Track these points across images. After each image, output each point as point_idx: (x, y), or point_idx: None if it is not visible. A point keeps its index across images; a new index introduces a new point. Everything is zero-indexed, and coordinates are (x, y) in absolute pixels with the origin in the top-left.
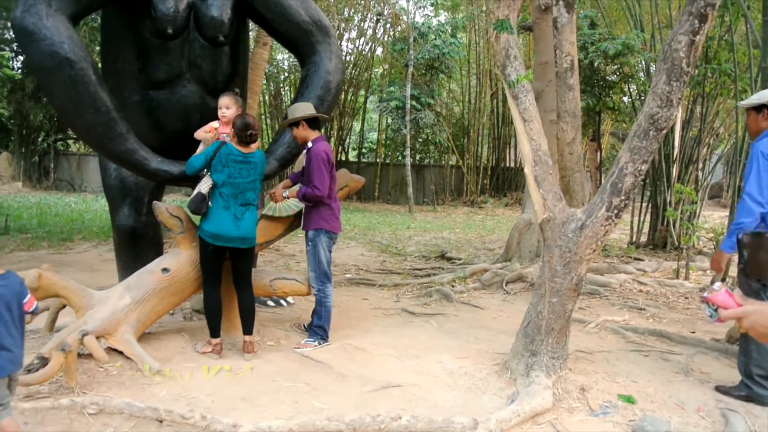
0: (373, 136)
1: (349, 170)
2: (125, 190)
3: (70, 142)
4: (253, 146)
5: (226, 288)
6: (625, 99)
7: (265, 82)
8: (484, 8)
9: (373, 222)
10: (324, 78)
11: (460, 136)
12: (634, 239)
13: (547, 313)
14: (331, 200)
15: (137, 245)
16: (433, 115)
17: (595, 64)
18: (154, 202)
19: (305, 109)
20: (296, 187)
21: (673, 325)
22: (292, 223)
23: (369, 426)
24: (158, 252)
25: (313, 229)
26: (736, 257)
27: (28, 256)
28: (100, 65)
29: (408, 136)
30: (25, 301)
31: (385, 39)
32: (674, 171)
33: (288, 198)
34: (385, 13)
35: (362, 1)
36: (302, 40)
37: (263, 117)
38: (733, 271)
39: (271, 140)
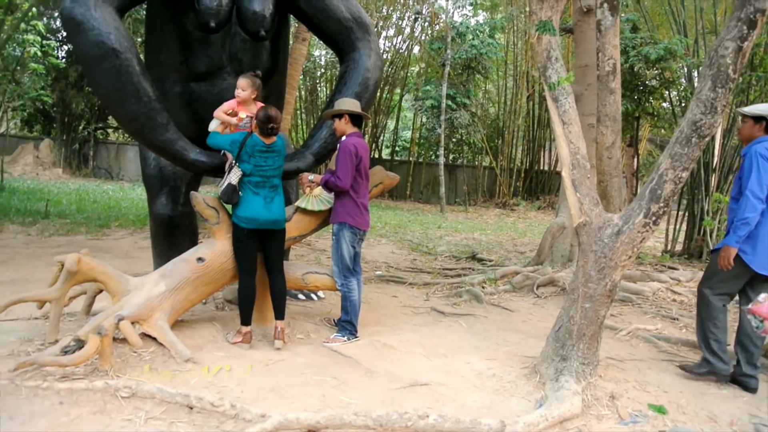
0: (407, 134)
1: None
2: (163, 180)
3: (110, 130)
4: (274, 137)
5: (259, 278)
6: (665, 105)
7: (301, 77)
8: (524, 9)
9: (404, 220)
10: (363, 75)
11: (494, 138)
12: (668, 247)
13: (579, 318)
14: (358, 196)
15: (173, 234)
16: (468, 115)
17: (636, 69)
18: (192, 192)
19: (352, 105)
20: (320, 175)
21: None
22: (326, 218)
23: (396, 423)
24: (193, 241)
25: (337, 223)
26: None
27: (66, 240)
28: (143, 56)
29: (442, 136)
30: None
31: (423, 38)
32: (713, 180)
33: (313, 183)
34: (424, 11)
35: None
36: (342, 37)
37: (299, 112)
38: None
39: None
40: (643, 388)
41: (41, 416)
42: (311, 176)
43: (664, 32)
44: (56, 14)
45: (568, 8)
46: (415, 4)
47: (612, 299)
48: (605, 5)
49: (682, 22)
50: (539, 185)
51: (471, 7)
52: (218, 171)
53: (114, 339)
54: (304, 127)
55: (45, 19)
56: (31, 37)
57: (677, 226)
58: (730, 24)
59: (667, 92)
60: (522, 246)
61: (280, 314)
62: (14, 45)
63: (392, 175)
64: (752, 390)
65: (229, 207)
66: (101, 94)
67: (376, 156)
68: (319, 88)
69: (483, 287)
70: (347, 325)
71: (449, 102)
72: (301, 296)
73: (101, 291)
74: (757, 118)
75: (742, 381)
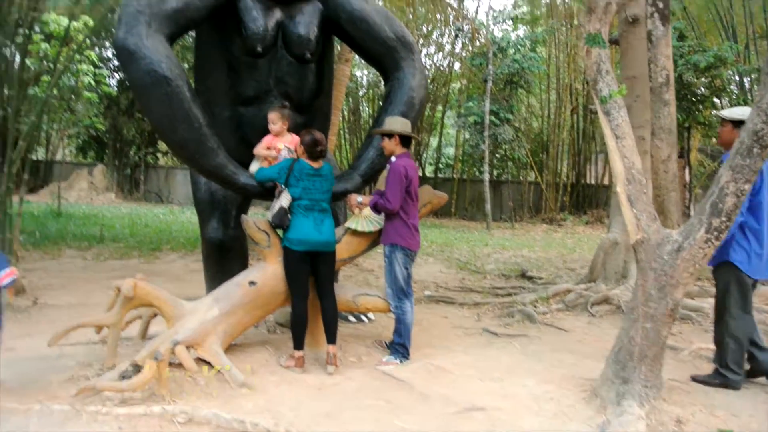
0: (450, 151)
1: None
2: (214, 204)
3: (159, 155)
4: (321, 161)
5: (310, 302)
6: (716, 113)
7: (345, 98)
8: (564, 22)
9: (450, 238)
10: (408, 94)
11: (538, 152)
12: None
13: (640, 339)
14: (408, 217)
15: (225, 257)
16: (511, 130)
17: (685, 78)
18: (243, 216)
19: (403, 125)
20: (369, 197)
21: None
22: (376, 239)
23: None
24: (244, 264)
25: (389, 245)
26: None
27: (120, 264)
28: (193, 83)
29: (487, 152)
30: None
31: (464, 54)
32: None
33: (362, 204)
34: (465, 28)
35: (441, 17)
36: (386, 57)
37: (342, 132)
38: None
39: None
40: (710, 411)
41: None
42: (360, 198)
43: (712, 39)
44: (108, 44)
45: (614, 19)
46: (456, 20)
47: (674, 319)
48: (656, 15)
49: (732, 28)
50: (586, 199)
51: (511, 22)
52: (268, 195)
53: (170, 364)
54: (348, 147)
55: (97, 48)
56: (84, 66)
57: None
58: None
59: (717, 100)
60: (572, 262)
61: (332, 338)
62: (68, 74)
63: (440, 194)
64: None
65: (279, 231)
66: (154, 121)
67: (421, 174)
68: (361, 108)
69: (535, 306)
70: (400, 347)
71: (492, 117)
72: (351, 318)
73: (156, 315)
74: (737, 123)
75: None
